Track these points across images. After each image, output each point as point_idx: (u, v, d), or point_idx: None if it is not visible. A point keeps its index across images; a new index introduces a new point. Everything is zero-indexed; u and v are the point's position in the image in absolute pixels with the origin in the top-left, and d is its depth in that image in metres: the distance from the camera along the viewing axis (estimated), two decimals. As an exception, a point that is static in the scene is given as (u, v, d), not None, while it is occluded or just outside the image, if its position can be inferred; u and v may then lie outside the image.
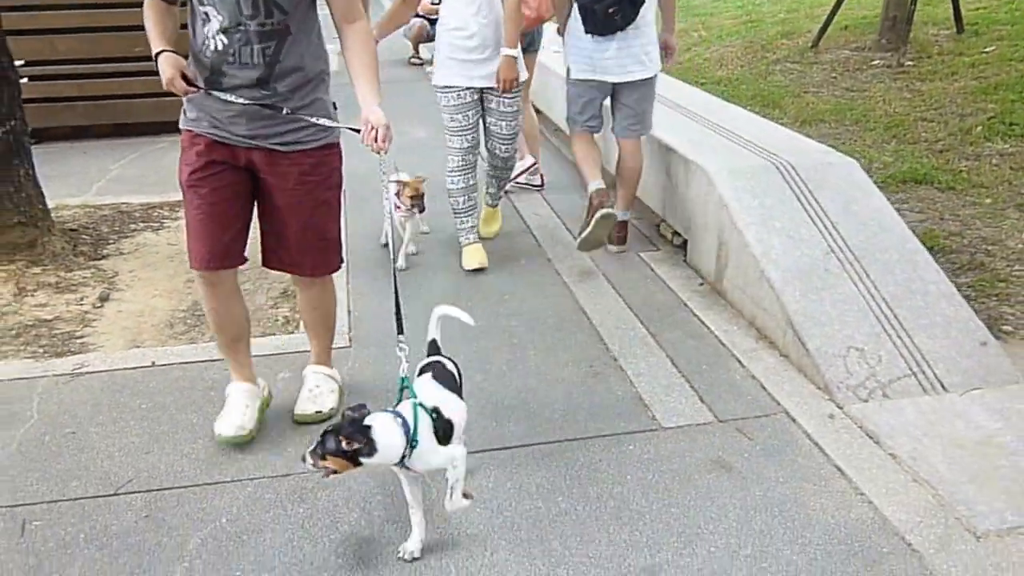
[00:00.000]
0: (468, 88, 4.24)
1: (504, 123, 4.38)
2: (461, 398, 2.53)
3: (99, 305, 4.24)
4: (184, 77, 2.59)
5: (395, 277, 2.69)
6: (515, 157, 4.66)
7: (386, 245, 4.61)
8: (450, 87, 4.25)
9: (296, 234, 2.86)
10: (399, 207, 4.34)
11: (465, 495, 2.37)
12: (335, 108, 2.84)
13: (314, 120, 2.71)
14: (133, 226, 5.30)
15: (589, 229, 4.27)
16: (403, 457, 2.25)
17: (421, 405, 2.32)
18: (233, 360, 3.06)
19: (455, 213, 4.47)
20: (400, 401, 2.37)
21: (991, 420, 3.09)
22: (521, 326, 3.83)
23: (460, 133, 4.29)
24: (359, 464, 2.22)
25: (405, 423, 2.26)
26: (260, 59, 2.63)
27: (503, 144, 4.46)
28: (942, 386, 3.29)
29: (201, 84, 2.65)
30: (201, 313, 3.92)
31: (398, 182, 4.29)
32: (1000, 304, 4.12)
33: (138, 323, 4.01)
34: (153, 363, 3.57)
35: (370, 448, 2.20)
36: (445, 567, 2.40)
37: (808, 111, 7.48)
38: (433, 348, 2.70)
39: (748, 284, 3.89)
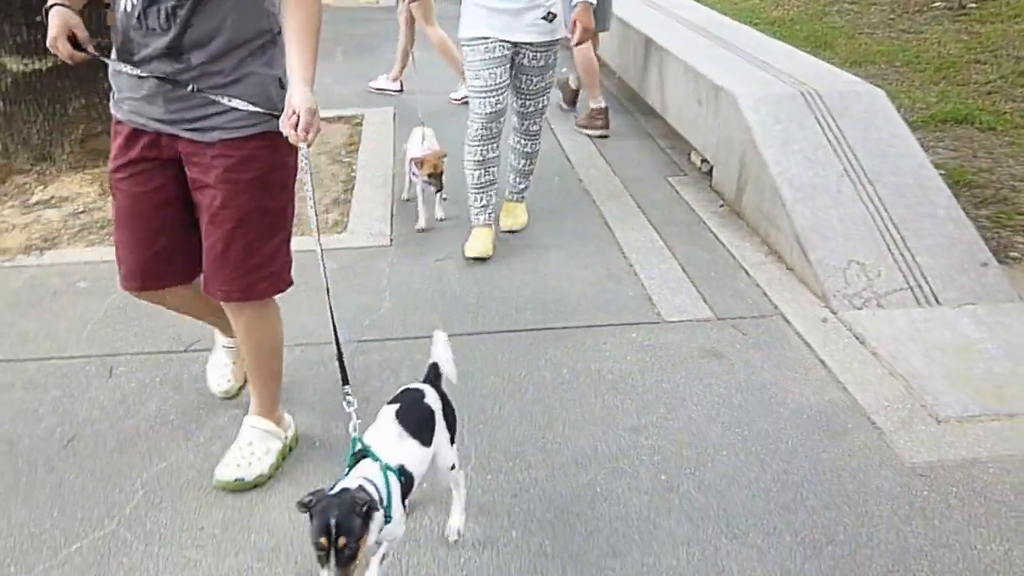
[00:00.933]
0: (500, 41, 3.65)
1: (536, 78, 3.84)
2: (427, 443, 2.05)
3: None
4: (73, 38, 2.08)
5: (332, 317, 2.14)
6: (541, 127, 4.09)
7: (408, 200, 4.46)
8: (477, 39, 3.67)
9: (216, 247, 2.24)
10: (415, 175, 4.18)
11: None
12: (282, 86, 2.18)
13: (225, 101, 2.13)
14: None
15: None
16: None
17: (390, 469, 1.89)
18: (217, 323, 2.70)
19: (469, 188, 3.92)
20: (352, 464, 1.90)
21: (977, 331, 3.30)
22: (547, 235, 4.13)
23: (485, 95, 3.69)
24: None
25: (378, 493, 1.83)
26: (168, 22, 2.06)
27: (533, 104, 3.91)
28: (936, 300, 3.50)
29: (92, 49, 2.13)
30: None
31: (413, 160, 4.16)
32: (1014, 234, 4.27)
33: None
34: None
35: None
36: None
37: (860, 52, 7.51)
38: (432, 373, 2.25)
39: (763, 203, 4.11)
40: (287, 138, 2.07)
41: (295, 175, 2.30)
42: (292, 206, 2.35)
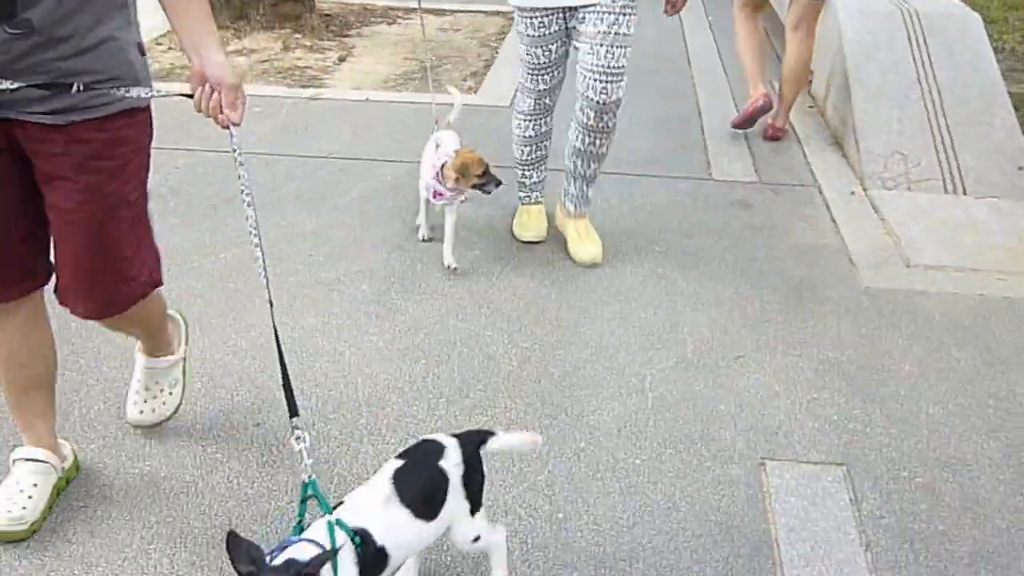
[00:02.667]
0: (553, 10, 2.94)
1: (604, 49, 2.89)
2: (427, 517, 1.65)
3: (337, 63, 5.68)
4: None
5: (276, 336, 1.74)
6: (616, 113, 3.04)
7: (426, 240, 3.33)
8: (526, 11, 2.98)
9: (76, 253, 1.82)
10: (440, 193, 3.09)
11: None
12: (142, 52, 1.80)
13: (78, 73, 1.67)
14: (373, 19, 6.72)
15: None
16: None
17: (340, 525, 1.54)
18: (23, 417, 2.07)
19: (517, 163, 3.37)
20: (302, 517, 1.59)
21: (988, 216, 3.75)
22: (638, 100, 4.80)
23: (538, 72, 3.09)
24: None
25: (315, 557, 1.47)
26: None
27: (602, 81, 2.93)
28: (963, 191, 3.95)
29: None
30: (411, 74, 5.28)
31: (436, 170, 3.07)
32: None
33: (362, 77, 5.41)
34: (367, 99, 4.94)
35: None
36: (495, 243, 3.52)
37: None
38: (479, 431, 1.84)
39: (840, 102, 4.60)
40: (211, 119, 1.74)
41: (149, 159, 1.89)
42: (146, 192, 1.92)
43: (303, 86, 5.20)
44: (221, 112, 1.73)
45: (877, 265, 3.31)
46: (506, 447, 1.85)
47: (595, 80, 2.92)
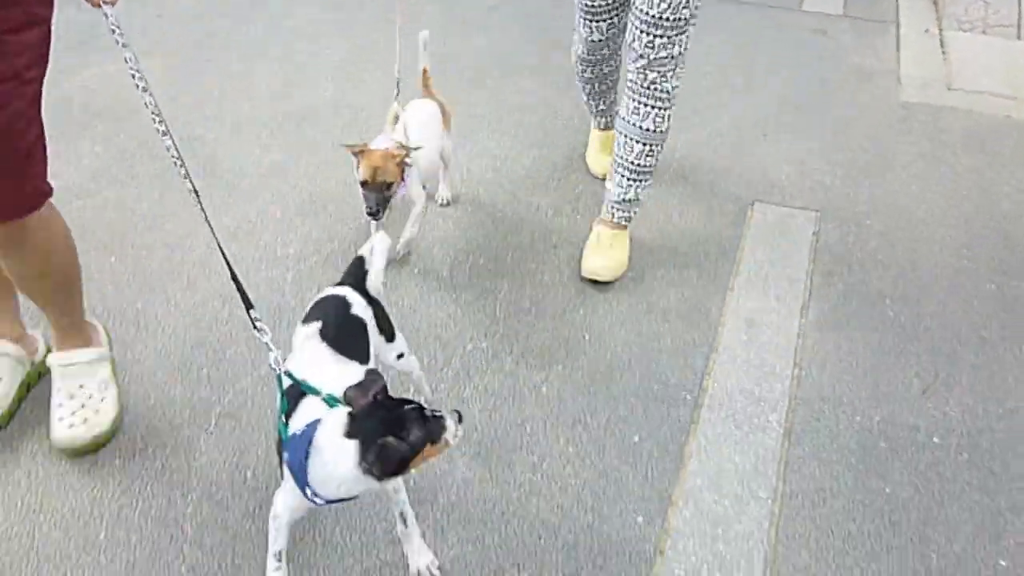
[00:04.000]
0: None
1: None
2: (365, 360, 1.67)
3: None
4: None
5: (207, 220, 1.62)
6: (668, 77, 2.32)
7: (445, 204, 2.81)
8: None
9: None
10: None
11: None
12: None
13: None
14: None
15: None
16: None
17: (338, 402, 1.47)
18: None
19: (585, 97, 2.91)
20: (286, 408, 1.51)
21: (1050, 59, 4.02)
22: None
23: (591, 17, 2.53)
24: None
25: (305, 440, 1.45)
26: None
27: (661, 41, 2.25)
28: (1035, 39, 4.20)
29: None
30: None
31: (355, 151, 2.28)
32: None
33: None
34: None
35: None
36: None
37: None
38: (355, 270, 1.81)
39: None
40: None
41: (49, 40, 1.58)
42: (45, 68, 1.60)
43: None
44: None
45: (921, 86, 3.71)
46: (379, 271, 1.79)
47: (641, 31, 2.24)
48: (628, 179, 2.49)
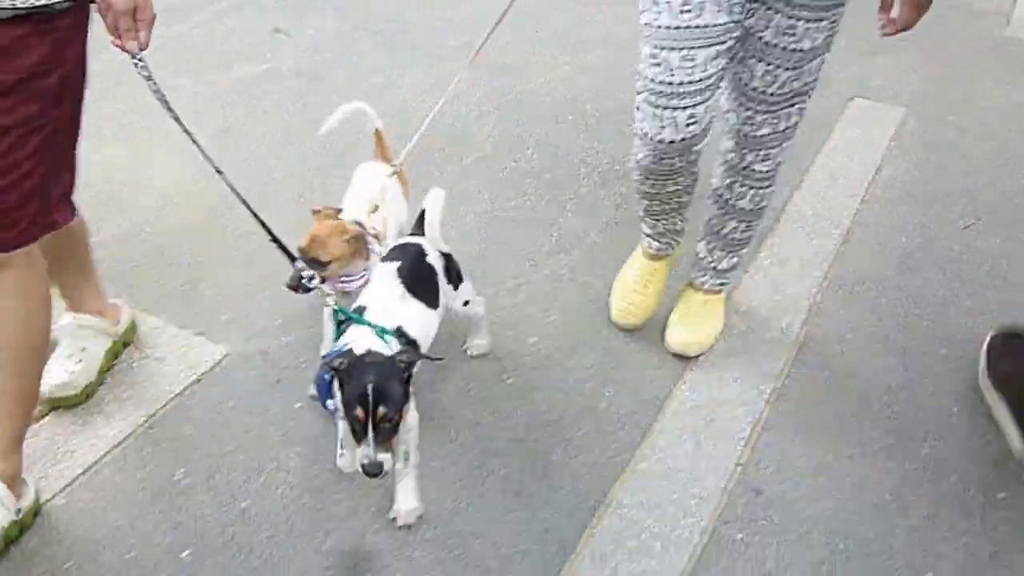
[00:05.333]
0: None
1: (787, 67, 1.77)
2: (433, 305, 1.81)
3: None
4: None
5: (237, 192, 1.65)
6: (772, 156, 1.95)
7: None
8: None
9: None
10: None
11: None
12: None
13: None
14: None
15: None
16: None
17: (387, 333, 1.63)
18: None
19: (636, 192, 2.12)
20: (337, 333, 1.67)
21: None
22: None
23: (668, 97, 1.74)
24: None
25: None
26: None
27: (770, 118, 1.87)
28: None
29: None
30: None
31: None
32: None
33: None
34: None
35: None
36: None
37: None
38: (420, 221, 1.94)
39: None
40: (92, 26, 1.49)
41: (78, 81, 1.56)
42: (74, 124, 1.60)
43: None
44: (116, 34, 1.44)
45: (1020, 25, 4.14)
46: (434, 224, 1.95)
47: (739, 103, 1.86)
48: (721, 250, 2.15)
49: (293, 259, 1.74)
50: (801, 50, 1.73)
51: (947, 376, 2.22)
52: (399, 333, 1.67)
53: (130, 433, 2.03)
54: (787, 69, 1.76)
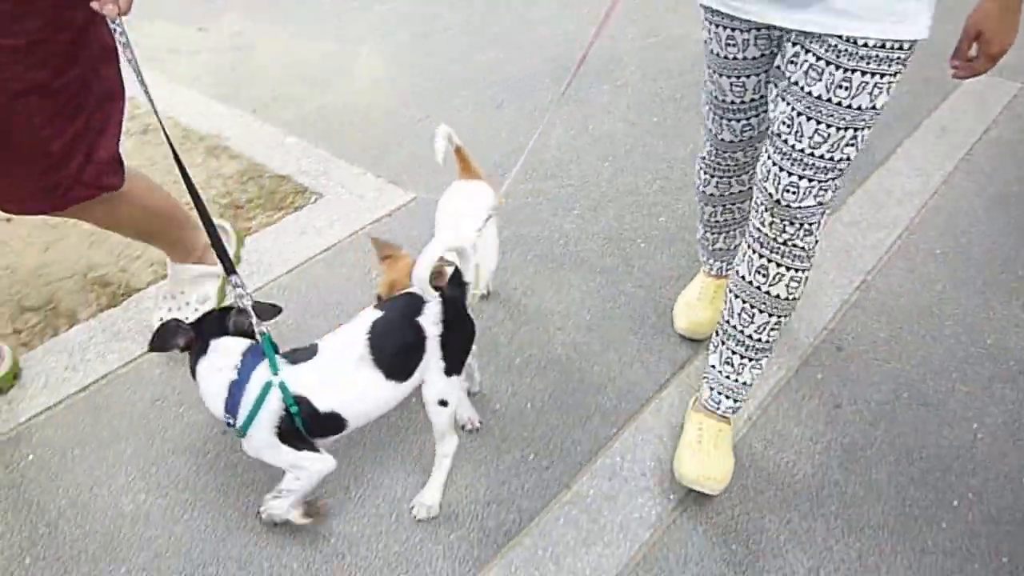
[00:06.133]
0: (750, 24, 1.65)
1: (808, 125, 1.56)
2: (400, 377, 1.60)
3: None
4: None
5: (194, 191, 1.64)
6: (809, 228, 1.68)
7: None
8: (709, 7, 1.73)
9: None
10: None
11: (308, 512, 1.72)
12: None
13: None
14: None
15: None
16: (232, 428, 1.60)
17: (283, 388, 1.53)
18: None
19: (699, 220, 2.23)
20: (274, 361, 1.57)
21: None
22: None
23: (723, 112, 1.88)
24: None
25: (238, 387, 1.54)
26: None
27: (789, 171, 1.62)
28: None
29: None
30: None
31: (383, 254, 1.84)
32: None
33: None
34: None
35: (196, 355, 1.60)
36: None
37: None
38: (452, 278, 1.66)
39: None
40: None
41: (95, 38, 1.57)
42: (99, 82, 1.62)
43: None
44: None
45: None
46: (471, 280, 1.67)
47: (781, 167, 1.63)
48: (742, 356, 1.90)
49: (230, 272, 1.64)
50: (859, 108, 1.52)
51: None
52: (299, 402, 1.55)
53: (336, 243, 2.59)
54: (830, 126, 1.55)
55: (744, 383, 1.94)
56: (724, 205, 2.12)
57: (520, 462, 1.98)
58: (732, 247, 2.23)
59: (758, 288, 1.78)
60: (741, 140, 1.92)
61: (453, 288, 1.64)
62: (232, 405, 1.57)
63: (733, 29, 1.68)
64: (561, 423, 2.07)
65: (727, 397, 1.96)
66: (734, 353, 1.91)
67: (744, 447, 2.05)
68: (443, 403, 1.68)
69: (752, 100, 1.81)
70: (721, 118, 1.89)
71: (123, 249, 2.58)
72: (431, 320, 1.61)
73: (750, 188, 2.03)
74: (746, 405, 2.13)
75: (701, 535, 1.85)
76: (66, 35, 1.49)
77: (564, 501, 1.90)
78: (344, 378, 1.58)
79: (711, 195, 2.10)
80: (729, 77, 1.78)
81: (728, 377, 1.94)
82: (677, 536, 1.84)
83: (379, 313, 1.62)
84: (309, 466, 1.62)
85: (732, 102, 1.83)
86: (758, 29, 1.64)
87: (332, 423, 1.59)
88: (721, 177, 2.04)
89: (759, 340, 1.86)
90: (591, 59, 1.96)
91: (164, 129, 1.60)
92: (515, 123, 3.24)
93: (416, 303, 1.60)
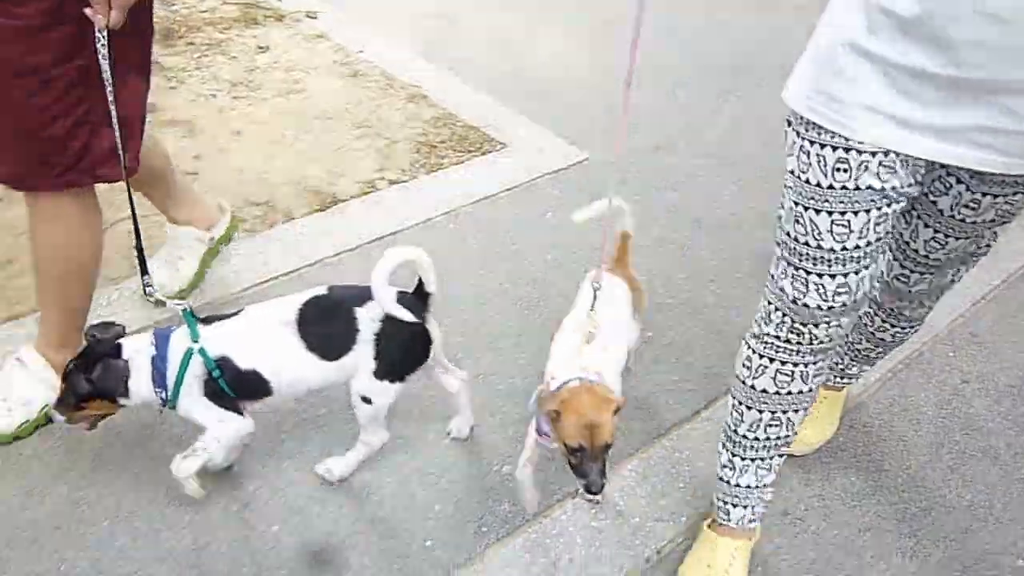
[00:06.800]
0: (904, 159, 1.23)
1: (969, 237, 1.43)
2: (329, 357, 1.66)
3: None
4: None
5: (130, 195, 1.76)
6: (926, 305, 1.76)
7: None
8: (823, 128, 1.25)
9: None
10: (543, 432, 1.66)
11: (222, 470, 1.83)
12: None
13: None
14: None
15: None
16: (164, 402, 1.68)
17: (203, 353, 1.63)
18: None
19: (725, 437, 1.71)
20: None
21: None
22: None
23: (812, 262, 1.36)
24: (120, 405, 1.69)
25: (161, 360, 1.64)
26: None
27: (935, 277, 1.58)
28: None
29: None
30: None
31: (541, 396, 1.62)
32: None
33: None
34: None
35: (123, 388, 1.65)
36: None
37: None
38: (416, 287, 1.70)
39: None
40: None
41: (86, 27, 1.53)
42: (88, 64, 1.58)
43: None
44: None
45: None
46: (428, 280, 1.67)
47: (897, 259, 1.58)
48: (851, 358, 1.94)
49: (144, 272, 1.78)
50: (982, 221, 1.35)
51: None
52: (221, 364, 1.64)
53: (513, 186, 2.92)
54: (959, 238, 1.40)
55: (765, 485, 1.70)
56: (772, 410, 1.57)
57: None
58: (761, 502, 1.72)
59: (878, 338, 1.89)
60: (831, 307, 1.38)
61: (411, 298, 1.67)
62: (160, 378, 1.65)
63: (854, 155, 1.24)
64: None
65: (835, 377, 2.06)
66: (852, 355, 1.99)
67: (871, 404, 2.23)
68: (366, 400, 1.72)
69: (858, 247, 1.31)
70: (808, 273, 1.36)
71: (332, 166, 2.97)
72: (369, 316, 1.65)
73: (814, 390, 1.55)
74: (874, 370, 2.24)
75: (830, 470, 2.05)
76: (68, 28, 1.53)
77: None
78: (266, 338, 1.66)
79: (762, 391, 1.54)
80: (830, 213, 1.29)
81: (843, 369, 2.04)
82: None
83: (324, 291, 1.71)
84: (230, 423, 1.70)
85: (831, 248, 1.32)
86: (907, 160, 1.24)
87: (256, 383, 1.66)
88: (783, 366, 1.49)
89: (869, 354, 1.95)
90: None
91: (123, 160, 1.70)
92: (688, 107, 3.49)
93: (364, 295, 1.64)
